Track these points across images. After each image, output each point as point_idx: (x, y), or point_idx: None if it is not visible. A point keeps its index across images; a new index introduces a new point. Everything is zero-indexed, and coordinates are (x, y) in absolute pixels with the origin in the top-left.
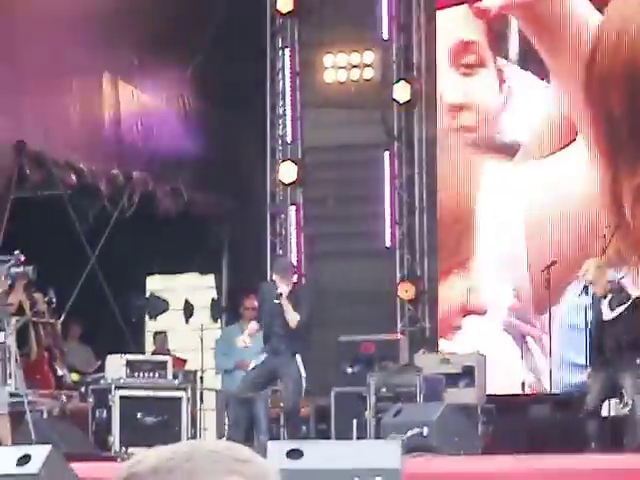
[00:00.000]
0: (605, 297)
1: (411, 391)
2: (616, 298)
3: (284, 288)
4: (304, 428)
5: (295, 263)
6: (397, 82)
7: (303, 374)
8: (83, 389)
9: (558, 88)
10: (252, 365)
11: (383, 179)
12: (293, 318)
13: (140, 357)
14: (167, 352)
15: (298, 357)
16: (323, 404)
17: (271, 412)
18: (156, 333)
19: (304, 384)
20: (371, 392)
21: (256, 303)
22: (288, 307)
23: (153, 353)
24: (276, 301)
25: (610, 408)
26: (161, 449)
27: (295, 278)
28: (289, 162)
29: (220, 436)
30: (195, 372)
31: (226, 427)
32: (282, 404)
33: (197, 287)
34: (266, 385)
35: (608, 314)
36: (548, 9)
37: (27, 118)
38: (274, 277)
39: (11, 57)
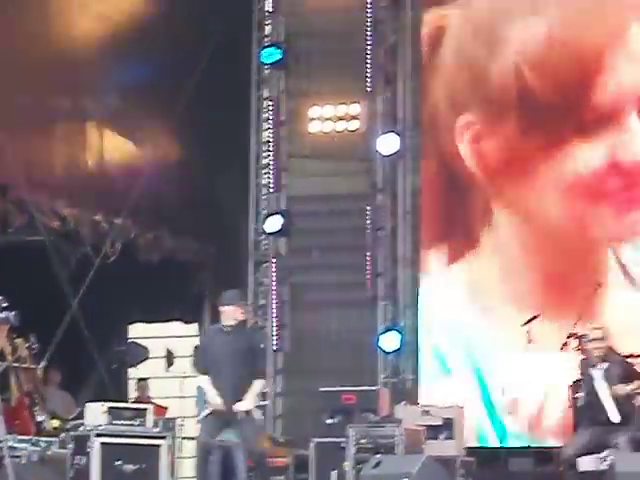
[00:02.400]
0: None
1: (391, 443)
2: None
3: (231, 322)
4: (283, 478)
5: (275, 312)
6: (382, 134)
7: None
8: (63, 435)
9: None
10: (208, 411)
11: (366, 230)
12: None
13: (121, 404)
14: (148, 400)
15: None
16: (303, 454)
17: (248, 461)
18: (138, 380)
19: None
20: (351, 443)
21: None
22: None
23: (135, 400)
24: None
25: (589, 462)
26: None
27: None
28: (272, 213)
29: None
30: (175, 420)
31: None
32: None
33: (180, 334)
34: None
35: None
36: None
37: (10, 162)
38: (221, 309)
39: None
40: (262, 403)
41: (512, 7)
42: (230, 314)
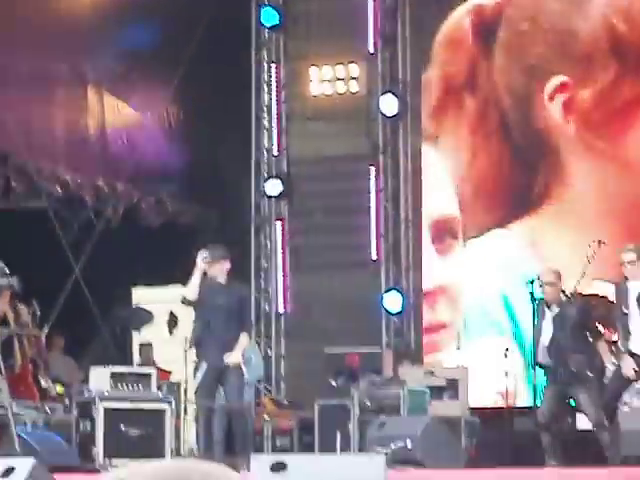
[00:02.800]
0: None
1: (395, 404)
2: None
3: (223, 276)
4: (287, 440)
5: (281, 276)
6: (383, 95)
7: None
8: (67, 401)
9: None
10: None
11: (368, 191)
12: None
13: (124, 369)
14: (152, 364)
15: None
16: (307, 416)
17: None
18: (141, 345)
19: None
20: (355, 405)
21: None
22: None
23: (139, 365)
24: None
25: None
26: (151, 469)
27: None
28: (274, 176)
29: (202, 449)
30: (179, 384)
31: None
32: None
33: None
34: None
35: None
36: None
37: (11, 129)
38: (211, 264)
39: None
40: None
41: None
42: (222, 269)
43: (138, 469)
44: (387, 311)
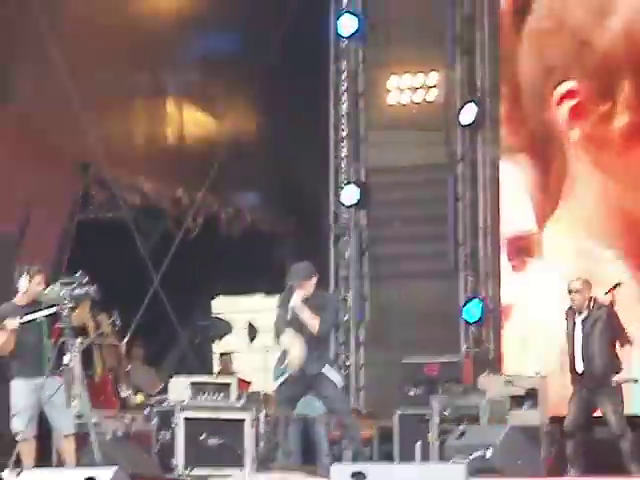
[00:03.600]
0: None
1: (474, 413)
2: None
3: (300, 294)
4: (367, 450)
5: (359, 285)
6: (463, 104)
7: (339, 383)
8: (147, 410)
9: None
10: (280, 380)
11: (446, 200)
12: (313, 324)
13: (204, 379)
14: (231, 373)
15: (329, 368)
16: (387, 426)
17: (331, 434)
18: (221, 354)
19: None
20: (435, 414)
21: None
22: (305, 312)
23: (218, 374)
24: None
25: None
26: None
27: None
28: (352, 184)
29: (284, 458)
30: (259, 393)
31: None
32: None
33: (262, 308)
34: (300, 399)
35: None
36: None
37: (90, 139)
38: (291, 283)
39: (76, 76)
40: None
41: None
42: (308, 288)
43: None
44: (466, 320)
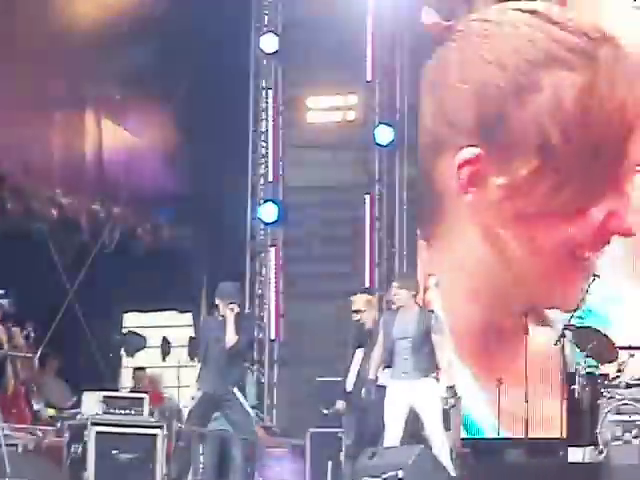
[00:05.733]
0: None
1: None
2: None
3: (227, 312)
4: (279, 468)
5: (274, 303)
6: (379, 125)
7: (245, 404)
8: (59, 424)
9: None
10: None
11: (364, 220)
12: (231, 338)
13: (116, 393)
14: (146, 389)
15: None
16: (299, 444)
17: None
18: (135, 369)
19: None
20: (347, 434)
21: None
22: (230, 328)
23: (133, 390)
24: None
25: (585, 454)
26: None
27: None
28: (269, 202)
29: (195, 475)
30: (171, 409)
31: (201, 466)
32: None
33: (175, 324)
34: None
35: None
36: None
37: (7, 150)
38: (217, 302)
39: None
40: None
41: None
42: (235, 308)
43: None
44: None
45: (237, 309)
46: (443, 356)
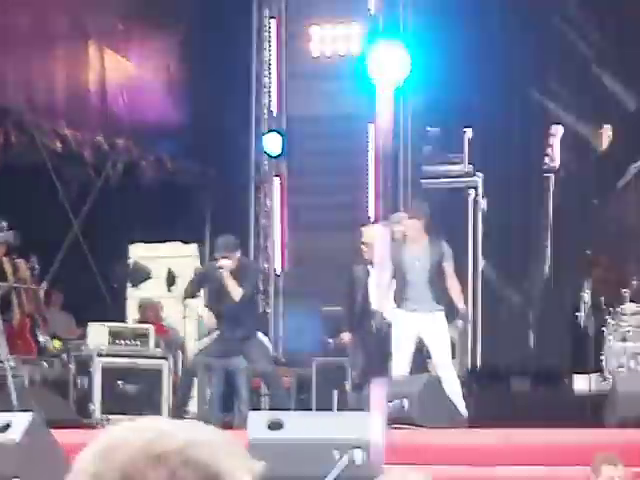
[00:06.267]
0: None
1: None
2: None
3: (226, 264)
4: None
5: (279, 234)
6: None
7: (268, 345)
8: (65, 356)
9: None
10: (204, 342)
11: (367, 151)
12: (236, 293)
13: (122, 325)
14: (152, 320)
15: (258, 334)
16: (305, 374)
17: (252, 382)
18: (141, 301)
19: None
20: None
21: None
22: (230, 282)
23: (138, 321)
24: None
25: (591, 382)
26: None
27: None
28: (273, 133)
29: (202, 404)
30: (177, 341)
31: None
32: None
33: (180, 256)
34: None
35: None
36: None
37: (10, 83)
38: (216, 255)
39: None
40: None
41: None
42: (233, 260)
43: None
44: None
45: (233, 262)
46: (455, 284)
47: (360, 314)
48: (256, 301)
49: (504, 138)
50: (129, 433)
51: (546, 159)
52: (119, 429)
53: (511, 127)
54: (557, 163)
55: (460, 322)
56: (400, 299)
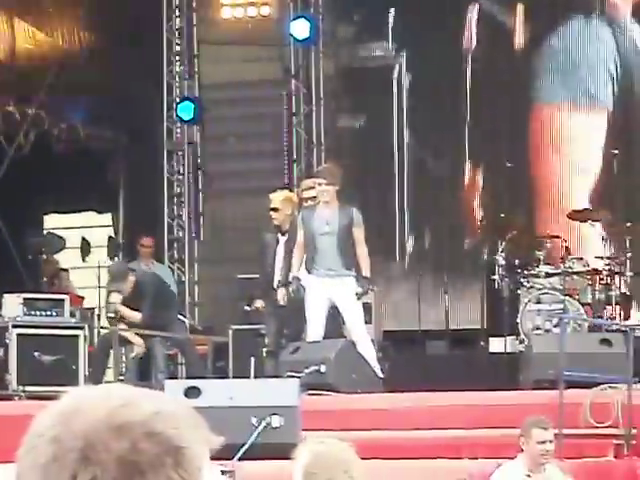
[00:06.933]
0: None
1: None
2: None
3: (116, 299)
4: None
5: (193, 201)
6: (295, 19)
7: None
8: None
9: None
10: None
11: (282, 116)
12: (136, 319)
13: (36, 295)
14: (66, 290)
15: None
16: (221, 341)
17: (169, 352)
18: (55, 270)
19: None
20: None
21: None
22: (127, 313)
23: (53, 291)
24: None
25: (507, 344)
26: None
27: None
28: (186, 100)
29: (117, 375)
30: (92, 310)
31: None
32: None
33: (94, 225)
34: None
35: None
36: None
37: None
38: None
39: None
40: None
41: None
42: (125, 288)
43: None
44: None
45: (126, 289)
46: (363, 250)
47: (271, 281)
48: (169, 299)
49: (426, 18)
50: (93, 399)
51: (464, 38)
52: (82, 394)
53: (431, 5)
54: (474, 42)
55: (360, 290)
56: (311, 265)
